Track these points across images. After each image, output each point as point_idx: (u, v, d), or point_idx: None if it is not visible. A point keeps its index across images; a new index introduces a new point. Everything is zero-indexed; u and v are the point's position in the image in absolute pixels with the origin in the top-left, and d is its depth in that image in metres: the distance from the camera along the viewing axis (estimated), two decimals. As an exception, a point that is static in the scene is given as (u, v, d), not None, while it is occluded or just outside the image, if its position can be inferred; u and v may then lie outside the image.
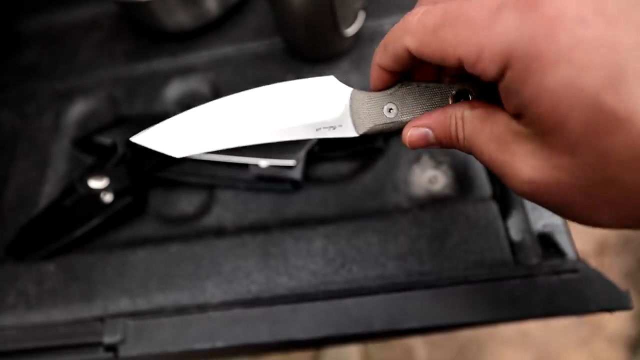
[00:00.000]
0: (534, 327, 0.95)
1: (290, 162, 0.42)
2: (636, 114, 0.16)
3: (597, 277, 0.36)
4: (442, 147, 0.26)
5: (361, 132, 0.27)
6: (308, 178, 0.44)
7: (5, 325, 0.42)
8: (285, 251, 0.41)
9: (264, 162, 0.42)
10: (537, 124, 0.19)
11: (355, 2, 0.45)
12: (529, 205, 0.40)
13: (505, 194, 0.41)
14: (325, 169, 0.45)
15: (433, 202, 0.42)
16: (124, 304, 0.41)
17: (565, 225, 0.39)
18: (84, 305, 0.42)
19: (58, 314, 0.42)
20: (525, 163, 0.20)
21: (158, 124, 0.28)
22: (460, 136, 0.23)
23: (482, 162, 0.23)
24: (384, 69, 0.25)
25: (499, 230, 0.39)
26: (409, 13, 0.23)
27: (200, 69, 0.54)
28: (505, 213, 0.40)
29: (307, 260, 0.40)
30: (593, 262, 0.39)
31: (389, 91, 0.27)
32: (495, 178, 0.42)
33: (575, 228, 0.39)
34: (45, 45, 0.61)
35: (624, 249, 1.02)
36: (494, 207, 0.40)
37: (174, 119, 0.28)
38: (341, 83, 0.28)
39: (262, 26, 0.55)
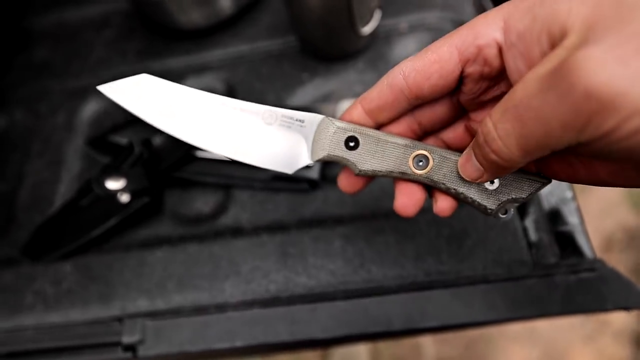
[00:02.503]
0: (541, 324, 0.96)
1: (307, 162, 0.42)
2: None
3: (614, 276, 0.36)
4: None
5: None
6: (325, 178, 0.44)
7: (24, 326, 0.42)
8: (303, 251, 0.41)
9: (281, 162, 0.42)
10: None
11: (371, 1, 0.45)
12: (546, 205, 0.40)
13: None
14: (342, 169, 0.45)
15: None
16: (142, 304, 0.41)
17: (582, 224, 0.39)
18: (102, 306, 0.42)
19: (76, 315, 0.42)
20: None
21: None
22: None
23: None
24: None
25: (517, 230, 0.39)
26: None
27: (215, 68, 0.53)
28: (523, 213, 0.40)
29: (326, 260, 0.40)
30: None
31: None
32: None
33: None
34: (56, 43, 0.61)
35: (629, 245, 1.03)
36: (512, 207, 0.40)
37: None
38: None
39: (276, 24, 0.55)
